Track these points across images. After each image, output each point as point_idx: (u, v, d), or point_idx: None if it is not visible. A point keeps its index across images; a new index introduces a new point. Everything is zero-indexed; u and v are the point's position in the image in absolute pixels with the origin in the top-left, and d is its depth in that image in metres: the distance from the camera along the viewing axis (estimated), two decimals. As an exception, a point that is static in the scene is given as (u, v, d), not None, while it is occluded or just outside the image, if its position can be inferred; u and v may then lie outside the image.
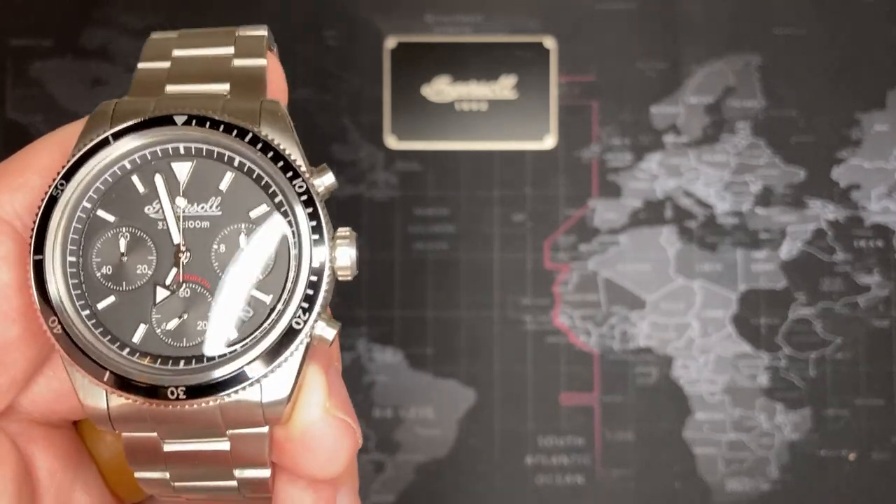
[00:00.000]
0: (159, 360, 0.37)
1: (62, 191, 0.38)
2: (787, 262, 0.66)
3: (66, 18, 0.68)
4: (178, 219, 0.38)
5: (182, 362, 0.37)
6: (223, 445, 0.38)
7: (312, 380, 0.38)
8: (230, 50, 0.41)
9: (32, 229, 0.37)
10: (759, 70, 0.67)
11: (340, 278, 0.38)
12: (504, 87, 0.67)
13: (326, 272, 0.37)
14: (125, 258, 0.38)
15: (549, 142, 0.67)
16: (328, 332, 0.38)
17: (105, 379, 0.36)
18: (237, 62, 0.41)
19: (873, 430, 0.65)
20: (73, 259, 0.38)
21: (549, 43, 0.68)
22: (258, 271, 0.38)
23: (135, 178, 0.38)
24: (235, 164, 0.38)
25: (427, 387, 0.66)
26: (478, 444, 0.66)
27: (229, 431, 0.38)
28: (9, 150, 0.40)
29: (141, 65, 0.41)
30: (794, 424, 0.65)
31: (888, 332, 0.66)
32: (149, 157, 0.39)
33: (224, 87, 0.40)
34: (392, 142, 0.67)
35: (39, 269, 0.37)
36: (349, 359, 0.65)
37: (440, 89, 0.67)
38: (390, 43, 0.68)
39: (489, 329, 0.66)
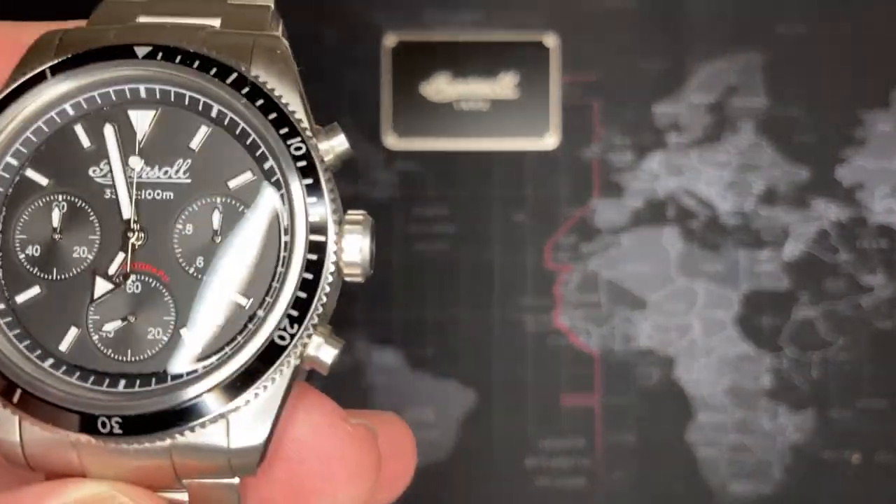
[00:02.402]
0: (92, 378, 0.28)
1: None
2: (790, 263, 0.66)
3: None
4: (130, 185, 0.28)
5: (122, 382, 0.28)
6: (180, 497, 0.29)
7: (303, 391, 0.29)
8: (215, 21, 0.31)
9: None
10: (762, 69, 0.67)
11: (348, 278, 0.30)
12: (504, 86, 0.67)
13: (328, 268, 0.28)
14: (59, 236, 0.28)
15: (550, 141, 0.67)
16: (326, 352, 0.29)
17: (16, 399, 0.27)
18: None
19: (877, 431, 0.65)
20: None
21: (551, 41, 0.67)
22: (236, 263, 0.28)
23: (78, 129, 0.29)
24: (213, 114, 0.29)
25: (426, 388, 0.66)
26: (478, 445, 0.65)
27: (185, 481, 0.28)
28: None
29: None
30: (796, 426, 0.65)
31: (892, 333, 0.65)
32: (98, 100, 0.29)
33: (213, 22, 0.31)
34: (392, 141, 0.67)
35: None
36: (348, 360, 0.65)
37: (440, 88, 0.67)
38: (390, 41, 0.67)
39: (489, 330, 0.66)
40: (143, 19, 0.30)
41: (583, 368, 0.66)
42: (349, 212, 0.30)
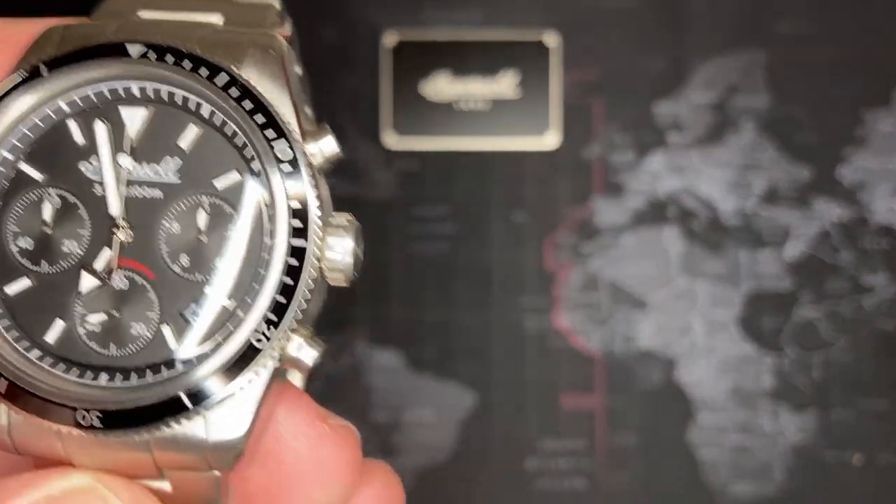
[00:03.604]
0: (77, 371, 0.29)
1: None
2: (792, 263, 0.66)
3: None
4: (119, 182, 0.29)
5: (105, 376, 0.29)
6: (162, 486, 0.30)
7: (285, 390, 0.30)
8: (216, 17, 0.31)
9: None
10: (764, 68, 0.67)
11: (332, 282, 0.30)
12: (505, 86, 0.67)
13: (307, 272, 0.28)
14: (50, 230, 0.29)
15: (550, 141, 0.67)
16: (307, 353, 0.29)
17: (3, 390, 0.28)
18: None
19: (878, 432, 0.65)
20: None
21: (551, 40, 0.67)
22: (220, 263, 0.29)
23: (72, 125, 0.30)
24: (204, 114, 0.29)
25: (426, 389, 0.65)
26: (478, 447, 0.65)
27: (167, 472, 0.29)
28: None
29: None
30: (798, 427, 0.65)
31: (893, 333, 0.65)
32: (92, 97, 0.30)
33: (215, 18, 0.31)
34: (391, 141, 0.67)
35: None
36: (348, 360, 0.65)
37: (440, 87, 0.67)
38: (389, 40, 0.67)
39: (489, 330, 0.66)
40: (143, 14, 0.31)
41: (583, 369, 0.65)
42: (334, 214, 0.30)
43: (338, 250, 0.29)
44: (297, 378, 0.36)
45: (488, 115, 0.67)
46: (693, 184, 0.67)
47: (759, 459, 0.65)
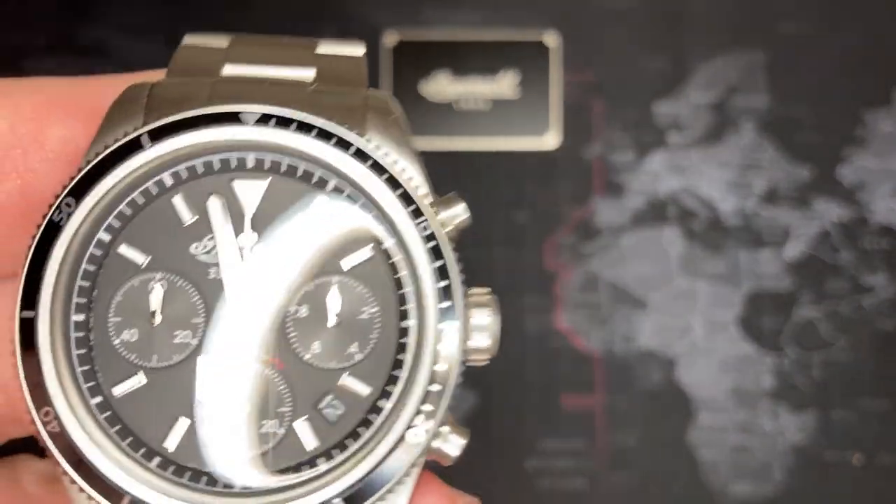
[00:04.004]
0: (205, 478, 0.25)
1: (68, 215, 0.25)
2: (792, 263, 0.66)
3: (60, 15, 0.67)
4: (239, 265, 0.26)
5: (238, 483, 0.25)
6: None
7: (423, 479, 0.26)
8: (309, 72, 0.28)
9: (22, 271, 0.25)
10: (764, 68, 0.67)
11: (472, 363, 0.28)
12: (505, 86, 0.67)
13: (457, 356, 0.26)
14: (158, 320, 0.26)
15: (550, 141, 0.67)
16: (453, 445, 0.27)
17: None
18: (323, 48, 0.29)
19: (879, 432, 0.65)
20: (79, 318, 0.26)
21: (551, 40, 0.67)
22: (354, 349, 0.26)
23: (177, 201, 0.26)
24: (329, 188, 0.27)
25: (426, 389, 0.65)
26: (478, 447, 0.65)
27: None
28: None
29: (188, 39, 0.29)
30: (798, 427, 0.65)
31: (894, 334, 0.65)
32: (200, 170, 0.26)
33: (308, 73, 0.28)
34: (391, 140, 0.66)
35: (29, 331, 0.25)
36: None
37: (440, 87, 0.67)
38: (389, 40, 0.67)
39: (489, 330, 0.66)
40: (229, 69, 0.28)
41: (583, 369, 0.65)
42: (473, 290, 0.28)
43: (483, 331, 0.27)
44: None
45: (488, 115, 0.67)
46: (693, 184, 0.66)
47: (759, 459, 0.65)
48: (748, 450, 0.65)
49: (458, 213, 0.28)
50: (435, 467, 0.33)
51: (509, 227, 0.66)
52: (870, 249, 0.66)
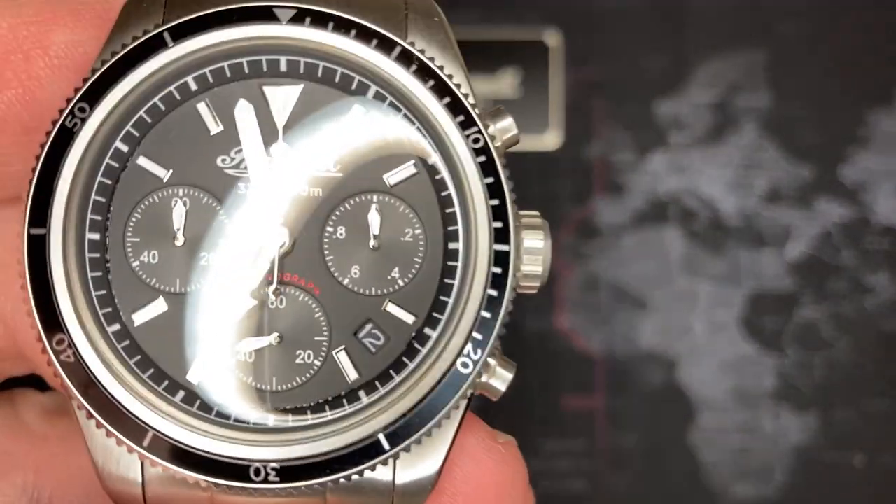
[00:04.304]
0: (231, 413, 0.23)
1: (83, 121, 0.22)
2: (793, 263, 0.66)
3: None
4: (271, 179, 0.22)
5: (271, 417, 0.22)
6: None
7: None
8: None
9: (30, 184, 0.22)
10: (765, 67, 0.67)
11: (521, 290, 0.25)
12: (505, 85, 0.67)
13: (510, 282, 0.24)
14: (181, 241, 0.23)
15: (551, 140, 0.66)
16: (502, 376, 0.24)
17: (145, 444, 0.21)
18: None
19: (880, 432, 0.65)
20: (95, 237, 0.23)
21: (552, 39, 0.67)
22: (398, 273, 0.24)
23: (202, 108, 0.23)
24: (369, 95, 0.24)
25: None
26: (478, 448, 0.65)
27: None
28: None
29: None
30: (799, 427, 0.65)
31: (895, 334, 0.65)
32: (228, 73, 0.23)
33: None
34: (391, 140, 0.66)
35: (40, 250, 0.21)
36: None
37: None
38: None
39: (490, 331, 0.66)
40: None
41: (584, 370, 0.65)
42: (522, 213, 0.25)
43: (536, 254, 0.24)
44: None
45: (489, 114, 0.67)
46: (694, 184, 0.66)
47: (761, 460, 0.65)
48: (749, 450, 0.65)
49: (508, 126, 0.25)
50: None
51: (510, 227, 0.66)
52: (871, 250, 0.66)
